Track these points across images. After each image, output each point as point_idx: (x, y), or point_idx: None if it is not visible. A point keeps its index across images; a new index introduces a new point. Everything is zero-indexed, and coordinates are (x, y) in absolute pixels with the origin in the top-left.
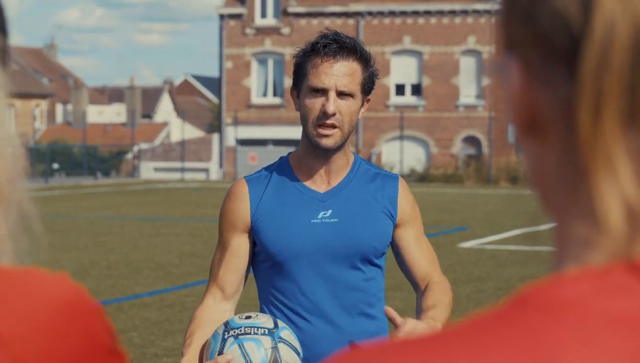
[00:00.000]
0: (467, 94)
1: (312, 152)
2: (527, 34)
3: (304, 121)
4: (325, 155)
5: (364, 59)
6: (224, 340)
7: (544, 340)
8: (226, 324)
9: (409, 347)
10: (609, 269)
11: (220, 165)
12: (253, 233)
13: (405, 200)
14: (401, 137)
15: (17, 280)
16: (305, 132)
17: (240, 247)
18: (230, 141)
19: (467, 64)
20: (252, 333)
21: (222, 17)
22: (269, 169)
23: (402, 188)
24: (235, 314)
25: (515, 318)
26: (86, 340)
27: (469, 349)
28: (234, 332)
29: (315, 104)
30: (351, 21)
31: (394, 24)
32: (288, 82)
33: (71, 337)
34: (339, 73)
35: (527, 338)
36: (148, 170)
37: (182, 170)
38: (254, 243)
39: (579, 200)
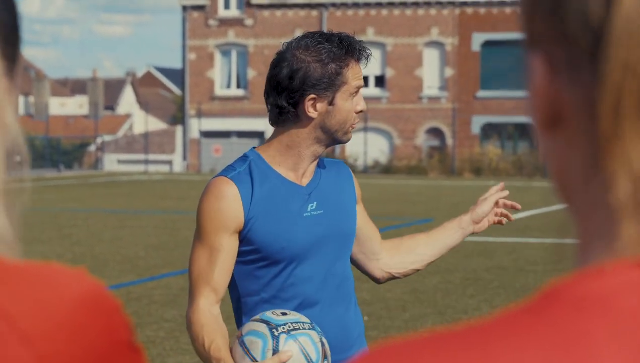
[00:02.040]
0: (431, 85)
1: (315, 150)
2: (550, 30)
3: (340, 123)
4: (322, 152)
5: None
6: (275, 338)
7: (576, 335)
8: (266, 322)
9: (440, 343)
10: (637, 263)
11: (184, 157)
12: (244, 234)
13: (355, 181)
14: (365, 129)
15: (36, 277)
16: (333, 134)
17: (232, 248)
18: (194, 133)
19: (431, 56)
20: (301, 328)
21: (185, 8)
22: (242, 165)
23: (350, 170)
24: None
25: (547, 313)
26: (106, 335)
27: (501, 343)
28: (283, 328)
29: (352, 105)
30: (314, 13)
31: (357, 15)
32: (251, 73)
33: (92, 332)
34: (360, 72)
35: (559, 332)
36: (111, 163)
37: (146, 162)
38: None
39: (599, 196)
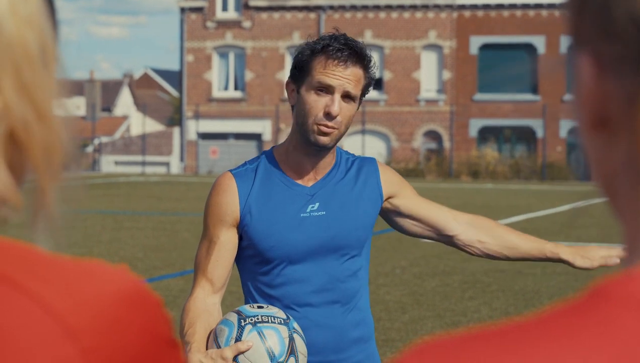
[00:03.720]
0: (428, 88)
1: (303, 149)
2: (599, 32)
3: (302, 117)
4: (317, 152)
5: (368, 66)
6: (241, 327)
7: (624, 332)
8: (239, 312)
9: (487, 341)
10: None
11: (182, 159)
12: (241, 228)
13: (387, 174)
14: (363, 131)
15: (80, 272)
16: (300, 128)
17: (228, 241)
18: (191, 135)
19: (429, 59)
20: (270, 322)
21: (182, 10)
22: (253, 163)
23: (381, 166)
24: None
25: (595, 311)
26: (147, 330)
27: (551, 343)
28: (251, 320)
29: (319, 102)
30: (312, 15)
31: (355, 18)
32: (249, 75)
33: (134, 327)
34: (348, 77)
35: (607, 330)
36: (108, 164)
37: (143, 163)
38: (239, 238)
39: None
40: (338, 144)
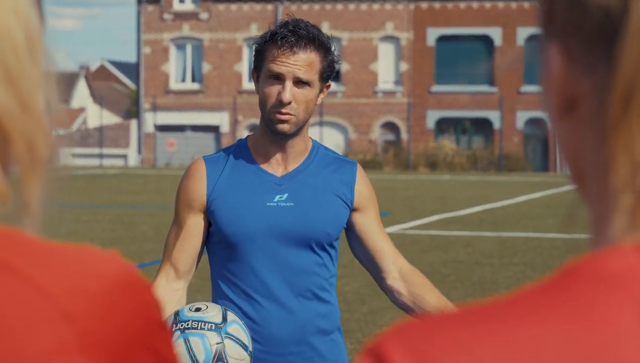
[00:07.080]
0: (386, 80)
1: (269, 137)
2: (569, 21)
3: (262, 106)
4: (281, 140)
5: (323, 48)
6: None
7: (596, 309)
8: (176, 315)
9: (461, 319)
10: None
11: (139, 151)
12: (208, 214)
13: (363, 185)
14: (320, 123)
15: (73, 257)
16: (262, 116)
17: (195, 226)
18: (148, 127)
19: (386, 50)
20: (199, 328)
21: (139, 2)
22: (227, 150)
23: (360, 173)
24: (187, 299)
25: (567, 289)
26: (141, 315)
27: (523, 320)
28: (181, 325)
29: (272, 90)
30: (270, 7)
31: (313, 9)
32: (206, 67)
33: (127, 310)
34: (296, 63)
35: (580, 307)
36: (65, 157)
37: (100, 156)
38: (209, 224)
39: (606, 180)
40: (314, 137)
